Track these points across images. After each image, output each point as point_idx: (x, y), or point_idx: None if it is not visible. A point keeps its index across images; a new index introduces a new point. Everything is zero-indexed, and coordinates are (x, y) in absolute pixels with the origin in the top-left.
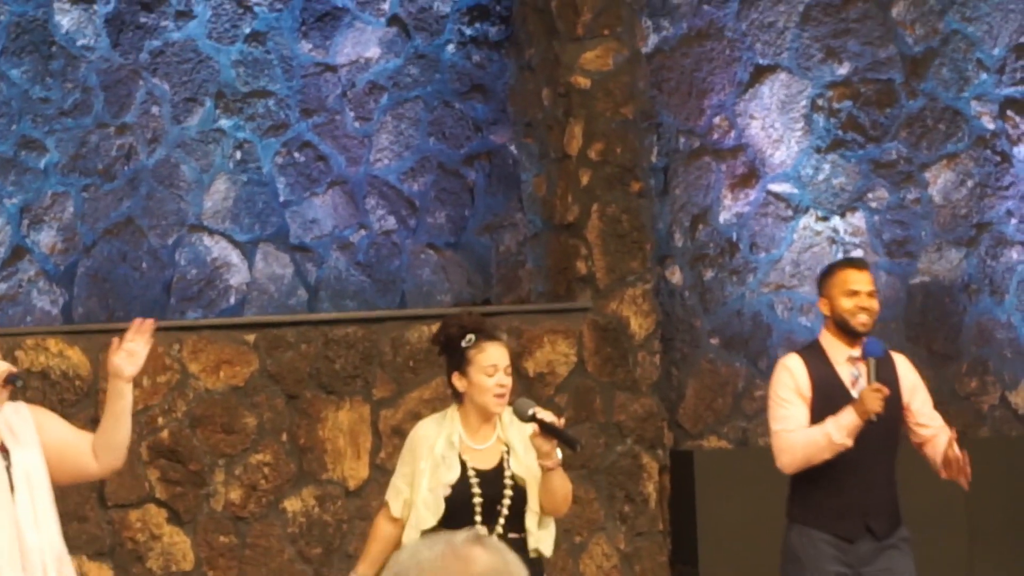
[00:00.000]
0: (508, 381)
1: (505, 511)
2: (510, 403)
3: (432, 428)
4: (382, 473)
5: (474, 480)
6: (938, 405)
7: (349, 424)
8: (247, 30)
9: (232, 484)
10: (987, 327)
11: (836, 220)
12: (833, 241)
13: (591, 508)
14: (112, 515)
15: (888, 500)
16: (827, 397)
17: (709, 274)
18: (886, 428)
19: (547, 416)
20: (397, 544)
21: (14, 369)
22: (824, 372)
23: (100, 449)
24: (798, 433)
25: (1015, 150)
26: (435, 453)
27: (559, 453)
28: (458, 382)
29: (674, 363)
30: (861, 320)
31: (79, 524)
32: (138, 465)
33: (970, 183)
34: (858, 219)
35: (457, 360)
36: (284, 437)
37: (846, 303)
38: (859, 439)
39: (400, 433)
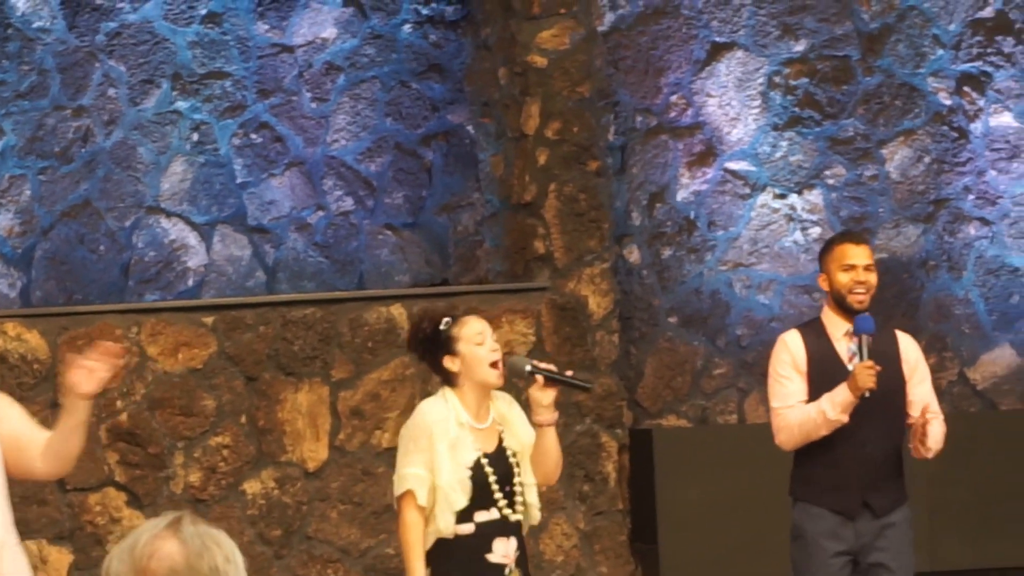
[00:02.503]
0: (498, 348)
1: (519, 489)
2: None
3: (441, 409)
4: (341, 454)
5: (484, 460)
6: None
7: (308, 405)
8: (203, 11)
9: (191, 466)
10: (945, 303)
11: (794, 197)
12: (791, 219)
13: (550, 488)
14: (72, 498)
15: (888, 476)
16: (824, 372)
17: (667, 252)
18: (887, 404)
19: (547, 366)
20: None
21: None
22: (822, 347)
23: (49, 454)
24: (795, 410)
25: (972, 126)
26: (450, 435)
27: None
28: (451, 364)
29: (633, 342)
30: (857, 295)
31: (39, 508)
32: (97, 448)
33: (927, 159)
34: (816, 196)
35: (443, 344)
36: (243, 419)
37: (842, 278)
38: (858, 414)
39: (359, 414)
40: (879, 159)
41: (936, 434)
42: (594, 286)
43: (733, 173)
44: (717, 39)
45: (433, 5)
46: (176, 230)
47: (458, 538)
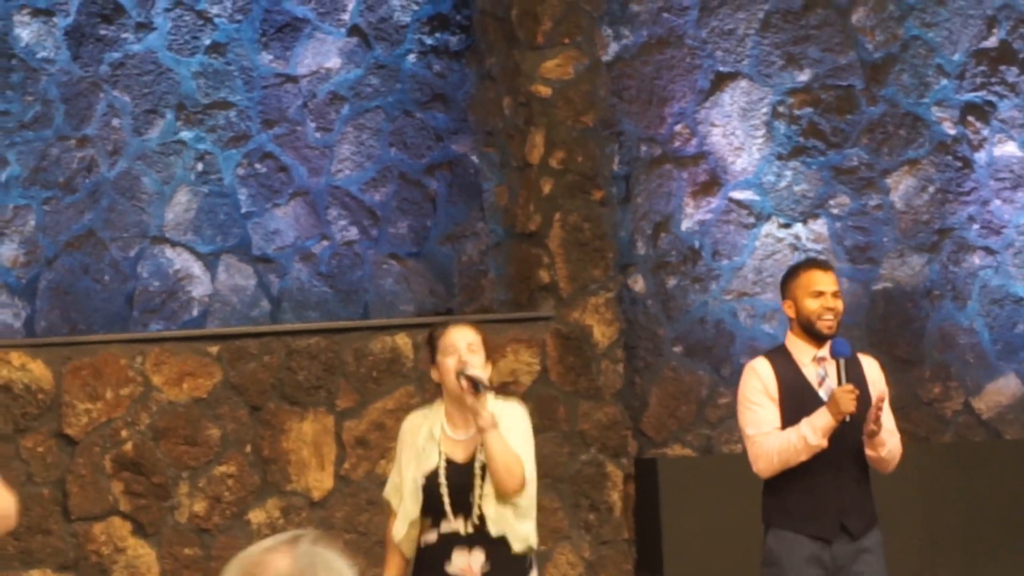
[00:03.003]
0: (471, 359)
1: (475, 499)
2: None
3: (418, 419)
4: (346, 484)
5: (443, 470)
6: (901, 410)
7: (313, 435)
8: (207, 41)
9: (196, 496)
10: (950, 333)
11: (798, 227)
12: (795, 248)
13: (555, 517)
14: (76, 528)
15: (862, 499)
16: (795, 398)
17: (672, 282)
18: (856, 428)
19: (474, 372)
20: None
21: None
22: (791, 373)
23: None
24: (772, 437)
25: (976, 155)
26: (417, 444)
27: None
28: (434, 374)
29: (637, 371)
30: (826, 321)
31: (43, 537)
32: (102, 478)
33: (931, 189)
34: (820, 226)
35: (431, 354)
36: (248, 449)
37: (811, 304)
38: (832, 439)
39: (364, 444)
40: (883, 188)
41: (891, 442)
42: (599, 315)
43: (737, 202)
44: (721, 69)
45: (437, 35)
46: (180, 260)
47: (426, 547)
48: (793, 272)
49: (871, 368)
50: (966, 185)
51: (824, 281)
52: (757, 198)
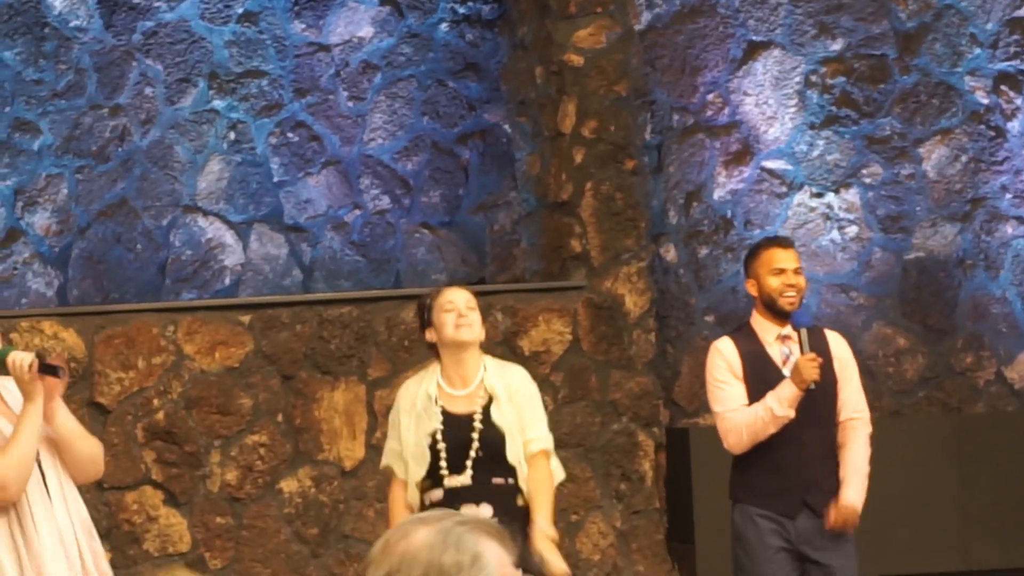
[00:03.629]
0: (470, 314)
1: (472, 455)
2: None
3: (413, 385)
4: (378, 453)
5: (441, 428)
6: (933, 380)
7: (344, 404)
8: (240, 10)
9: (228, 465)
10: (982, 302)
11: (830, 196)
12: (827, 217)
13: (587, 487)
14: (108, 497)
15: (826, 475)
16: (759, 377)
17: (704, 251)
18: (820, 403)
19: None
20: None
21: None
22: (755, 352)
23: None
24: (740, 412)
25: (1009, 125)
26: (416, 408)
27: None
28: (429, 335)
29: (669, 341)
30: (788, 298)
31: None
32: (134, 447)
33: (964, 158)
34: (852, 195)
35: (425, 318)
36: (280, 418)
37: (773, 281)
38: (796, 416)
39: None
40: (916, 158)
41: (856, 458)
42: (631, 285)
43: (770, 172)
44: (754, 38)
45: (469, 4)
46: (213, 229)
47: (432, 505)
48: (754, 251)
49: (837, 343)
50: (999, 154)
51: (785, 258)
52: (789, 167)
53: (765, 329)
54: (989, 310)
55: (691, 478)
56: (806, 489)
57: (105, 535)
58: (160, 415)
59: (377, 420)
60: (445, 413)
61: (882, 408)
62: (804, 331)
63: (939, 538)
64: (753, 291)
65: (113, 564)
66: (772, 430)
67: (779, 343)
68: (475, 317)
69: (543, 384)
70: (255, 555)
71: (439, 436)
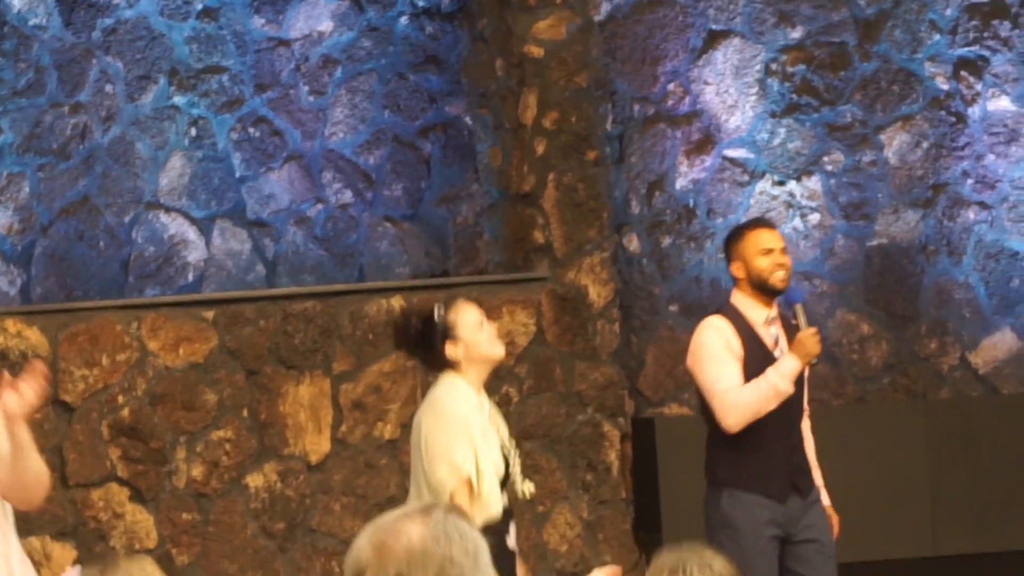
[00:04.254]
0: (490, 328)
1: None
2: None
3: (468, 398)
4: (344, 447)
5: (500, 447)
6: (898, 366)
7: (310, 399)
8: (199, 6)
9: (194, 461)
10: (945, 288)
11: (792, 184)
12: (790, 205)
13: (553, 478)
14: (74, 494)
15: (805, 458)
16: (754, 359)
17: (667, 241)
18: (799, 387)
19: None
20: None
21: None
22: (748, 334)
23: (6, 483)
24: (742, 390)
25: (969, 111)
26: (482, 422)
27: None
28: (452, 349)
29: (633, 331)
30: (779, 276)
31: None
32: (99, 444)
33: (925, 144)
34: (814, 182)
35: (441, 332)
36: (245, 413)
37: (762, 262)
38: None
39: (361, 407)
40: (877, 145)
41: (814, 453)
42: (594, 275)
43: (731, 160)
44: (714, 27)
45: None
46: (175, 225)
47: (489, 524)
48: (738, 233)
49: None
50: (960, 140)
51: (771, 239)
52: (751, 156)
53: (753, 311)
54: (952, 296)
55: (657, 468)
56: (795, 472)
57: (71, 533)
58: (125, 412)
59: (343, 414)
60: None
61: (847, 395)
62: (801, 306)
63: (909, 524)
64: (740, 273)
65: (79, 562)
66: (773, 406)
67: (766, 326)
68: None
69: (508, 375)
70: (222, 551)
71: (501, 456)
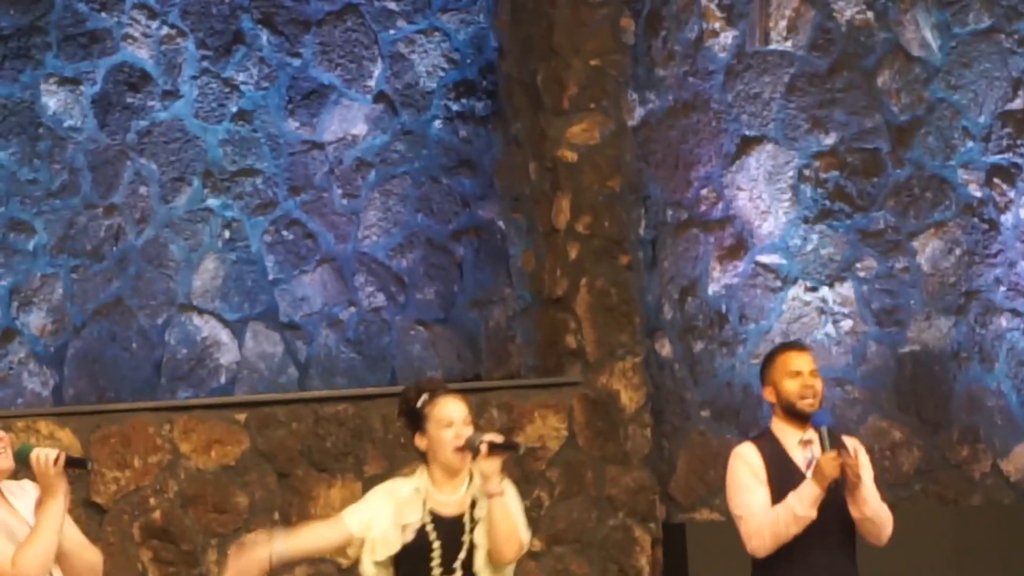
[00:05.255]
0: (468, 432)
1: (462, 555)
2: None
3: (399, 480)
4: None
5: (430, 526)
6: (929, 473)
7: (341, 502)
8: (234, 109)
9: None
10: (977, 395)
11: (825, 290)
12: (822, 311)
13: None
14: None
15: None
16: (783, 481)
17: (699, 346)
18: (843, 515)
19: (492, 436)
20: None
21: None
22: (778, 457)
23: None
24: (762, 515)
25: (1002, 217)
26: (400, 495)
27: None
28: (419, 441)
29: (665, 435)
30: (807, 400)
31: None
32: (131, 546)
33: (958, 251)
34: (847, 289)
35: (416, 421)
36: (276, 516)
37: (790, 385)
38: (824, 519)
39: None
40: (910, 251)
41: (875, 503)
42: (626, 380)
43: (764, 266)
44: (747, 132)
45: (463, 101)
46: (208, 327)
47: None
48: (769, 358)
49: (854, 450)
50: (992, 247)
51: (801, 361)
52: (784, 262)
53: (786, 434)
54: (984, 403)
55: (688, 573)
56: None
57: None
58: (156, 514)
59: None
60: (433, 514)
61: None
62: (824, 429)
63: None
64: (771, 398)
65: None
66: (795, 531)
67: (801, 448)
68: (470, 431)
69: (540, 479)
70: None
71: (432, 533)
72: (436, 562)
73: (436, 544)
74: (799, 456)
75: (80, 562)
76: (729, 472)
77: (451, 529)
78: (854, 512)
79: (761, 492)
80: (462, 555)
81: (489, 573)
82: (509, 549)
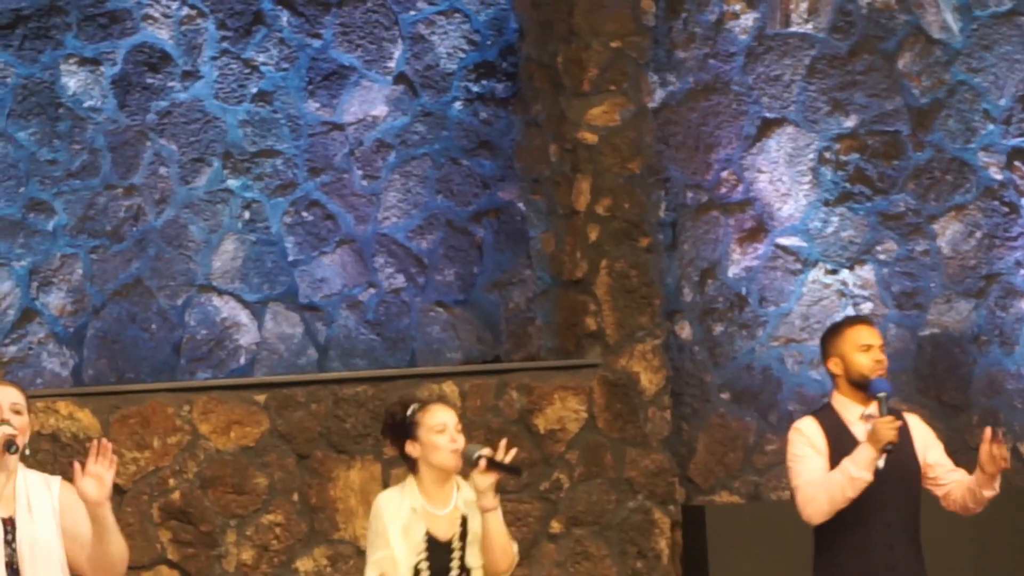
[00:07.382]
0: (460, 439)
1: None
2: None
3: (395, 496)
4: None
5: (426, 551)
6: (949, 456)
7: (360, 483)
8: (254, 90)
9: (244, 545)
10: (997, 378)
11: (845, 273)
12: (842, 294)
13: (603, 565)
14: None
15: (912, 557)
16: (842, 454)
17: (718, 328)
18: (906, 487)
19: (487, 452)
20: None
21: (11, 432)
22: (838, 431)
23: (92, 563)
24: (818, 481)
25: (1023, 200)
26: (403, 518)
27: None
28: (412, 449)
29: (684, 418)
30: (879, 375)
31: None
32: (149, 527)
33: (978, 234)
34: (867, 271)
35: (406, 429)
36: (295, 497)
37: (861, 359)
38: (881, 497)
39: None
40: (930, 234)
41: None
42: (646, 362)
43: (784, 249)
44: (767, 115)
45: (483, 83)
46: (227, 308)
47: None
48: (837, 329)
49: (915, 424)
50: (1013, 230)
51: (872, 335)
52: (804, 244)
53: (848, 409)
54: (1004, 386)
55: (707, 556)
56: (892, 570)
57: None
58: (176, 495)
59: None
60: (429, 538)
61: None
62: (884, 395)
63: None
64: (837, 370)
65: None
66: (851, 494)
67: (862, 422)
68: (462, 439)
69: (559, 462)
70: None
71: (423, 564)
72: None
73: (424, 567)
74: (859, 430)
75: (113, 548)
76: (788, 447)
77: (441, 553)
78: (980, 493)
79: (817, 461)
80: (452, 571)
81: None
82: (504, 561)
